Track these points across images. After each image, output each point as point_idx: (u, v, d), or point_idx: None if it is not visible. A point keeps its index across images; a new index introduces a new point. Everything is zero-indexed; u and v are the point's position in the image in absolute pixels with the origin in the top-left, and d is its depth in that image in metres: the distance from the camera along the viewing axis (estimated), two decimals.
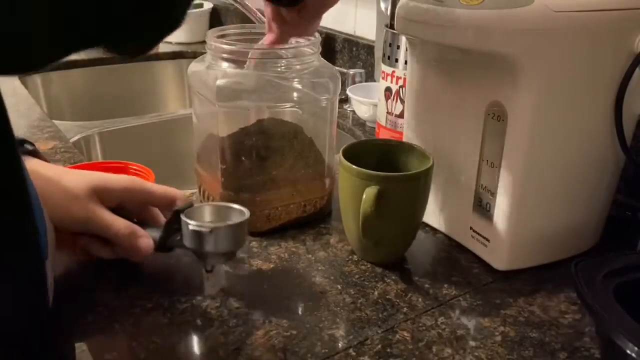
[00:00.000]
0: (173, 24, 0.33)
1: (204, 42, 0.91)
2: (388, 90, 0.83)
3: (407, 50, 0.76)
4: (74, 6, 0.27)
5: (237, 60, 0.61)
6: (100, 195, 0.52)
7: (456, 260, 0.61)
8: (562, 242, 0.60)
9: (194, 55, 1.49)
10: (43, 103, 1.39)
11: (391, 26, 0.82)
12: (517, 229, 0.56)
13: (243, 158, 0.63)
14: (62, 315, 0.50)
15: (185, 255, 0.59)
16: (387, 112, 0.84)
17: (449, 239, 0.64)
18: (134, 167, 0.74)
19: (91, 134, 1.02)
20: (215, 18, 1.72)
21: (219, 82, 0.60)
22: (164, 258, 0.59)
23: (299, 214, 0.66)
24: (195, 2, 1.60)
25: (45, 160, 0.54)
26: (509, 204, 0.55)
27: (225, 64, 0.61)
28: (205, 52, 0.64)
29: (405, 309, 0.52)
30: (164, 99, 1.58)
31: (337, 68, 0.67)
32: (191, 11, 1.49)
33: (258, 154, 0.63)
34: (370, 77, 1.13)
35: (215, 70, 0.62)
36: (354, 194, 0.55)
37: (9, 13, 0.25)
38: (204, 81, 0.63)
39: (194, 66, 0.66)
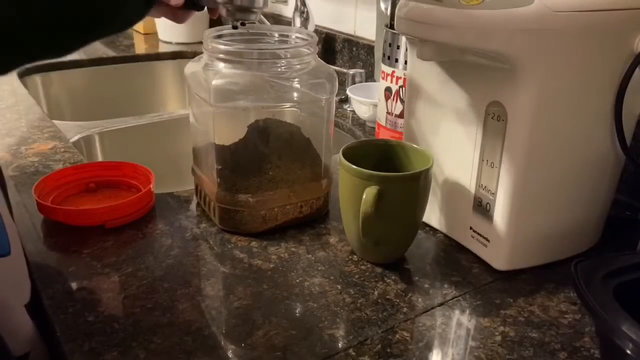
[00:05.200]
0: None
1: None
2: (388, 90, 0.83)
3: (407, 50, 0.76)
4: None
5: (234, 60, 0.60)
6: None
7: (456, 260, 0.61)
8: (562, 242, 0.60)
9: (194, 55, 1.48)
10: (43, 103, 1.38)
11: (391, 26, 0.82)
12: (517, 229, 0.56)
13: (239, 159, 0.63)
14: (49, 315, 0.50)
15: (185, 254, 0.59)
16: (387, 112, 0.84)
17: (449, 239, 0.64)
18: (133, 167, 0.74)
19: (91, 134, 1.02)
20: (216, 18, 1.71)
21: (215, 82, 0.60)
22: (164, 258, 0.59)
23: (296, 215, 0.66)
24: None
25: None
26: (509, 204, 0.55)
27: (221, 65, 0.61)
28: None
29: (405, 309, 0.52)
30: (164, 99, 1.58)
31: (337, 68, 0.67)
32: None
33: (254, 155, 0.62)
34: (370, 77, 1.13)
35: (212, 70, 0.62)
36: (354, 194, 0.55)
37: None
38: (200, 82, 0.63)
39: (191, 66, 0.66)
